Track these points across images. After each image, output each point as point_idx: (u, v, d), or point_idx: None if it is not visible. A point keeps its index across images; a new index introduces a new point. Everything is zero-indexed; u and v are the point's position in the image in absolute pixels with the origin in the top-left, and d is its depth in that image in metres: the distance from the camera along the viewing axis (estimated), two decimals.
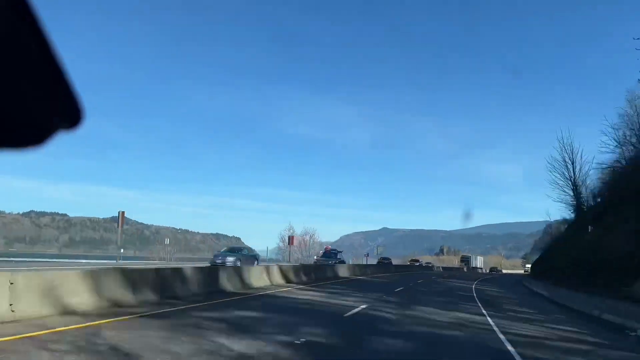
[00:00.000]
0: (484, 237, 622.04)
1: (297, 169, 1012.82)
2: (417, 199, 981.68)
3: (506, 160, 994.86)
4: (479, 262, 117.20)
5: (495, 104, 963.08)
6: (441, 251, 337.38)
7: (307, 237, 66.65)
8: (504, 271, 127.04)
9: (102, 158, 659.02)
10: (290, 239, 41.62)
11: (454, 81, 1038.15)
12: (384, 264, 54.65)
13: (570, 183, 49.88)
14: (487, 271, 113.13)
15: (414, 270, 58.88)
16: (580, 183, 49.50)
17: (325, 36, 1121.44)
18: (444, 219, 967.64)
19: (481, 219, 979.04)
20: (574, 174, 49.10)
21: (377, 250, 52.26)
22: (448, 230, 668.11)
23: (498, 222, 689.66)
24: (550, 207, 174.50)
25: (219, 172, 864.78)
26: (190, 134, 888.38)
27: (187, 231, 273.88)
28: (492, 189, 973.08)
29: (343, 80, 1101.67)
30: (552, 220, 77.14)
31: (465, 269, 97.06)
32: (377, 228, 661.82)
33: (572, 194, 50.52)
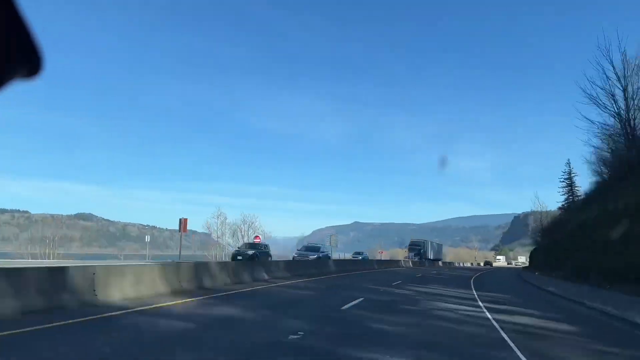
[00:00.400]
0: (453, 230, 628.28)
1: (268, 163, 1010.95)
2: (388, 193, 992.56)
3: (475, 155, 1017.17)
4: (430, 252, 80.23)
5: (464, 100, 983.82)
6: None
7: (244, 227, 56.29)
8: (494, 264, 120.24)
9: (65, 153, 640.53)
10: (182, 222, 20.89)
11: (425, 76, 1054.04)
12: (312, 259, 35.36)
13: (617, 118, 36.88)
14: (460, 265, 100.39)
15: (360, 269, 40.06)
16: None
17: (296, 31, 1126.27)
18: (415, 212, 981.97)
19: (450, 212, 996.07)
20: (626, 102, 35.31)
21: (331, 241, 46.49)
22: (418, 223, 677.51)
23: (467, 215, 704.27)
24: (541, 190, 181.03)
25: (188, 167, 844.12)
26: (156, 128, 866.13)
27: (154, 227, 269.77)
28: (461, 182, 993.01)
29: (313, 75, 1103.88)
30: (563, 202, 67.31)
31: (411, 263, 63.48)
32: (348, 222, 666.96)
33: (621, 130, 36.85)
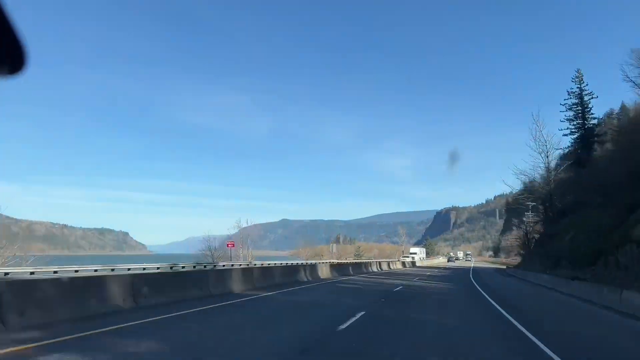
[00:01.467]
0: (379, 226, 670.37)
1: (193, 159, 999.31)
2: (317, 191, 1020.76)
3: (399, 152, 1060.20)
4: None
5: (391, 98, 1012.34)
6: (337, 240, 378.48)
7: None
8: (457, 263, 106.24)
9: None
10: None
11: (352, 74, 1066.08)
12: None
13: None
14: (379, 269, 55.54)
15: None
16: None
17: (222, 24, 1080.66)
18: (343, 209, 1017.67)
19: (376, 208, 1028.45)
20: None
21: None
22: (346, 220, 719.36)
23: (391, 212, 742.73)
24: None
25: (106, 163, 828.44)
26: (72, 121, 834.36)
27: (65, 226, 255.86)
28: (385, 179, 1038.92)
29: (240, 69, 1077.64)
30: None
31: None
32: (276, 219, 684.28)
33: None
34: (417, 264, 72.01)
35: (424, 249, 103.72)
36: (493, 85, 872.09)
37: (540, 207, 54.34)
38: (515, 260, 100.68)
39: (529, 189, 56.12)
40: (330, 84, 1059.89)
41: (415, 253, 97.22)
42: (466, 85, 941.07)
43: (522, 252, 67.60)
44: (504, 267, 71.80)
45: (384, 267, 44.50)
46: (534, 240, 60.40)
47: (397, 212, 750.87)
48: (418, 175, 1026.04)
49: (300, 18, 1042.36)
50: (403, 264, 60.04)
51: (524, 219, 64.63)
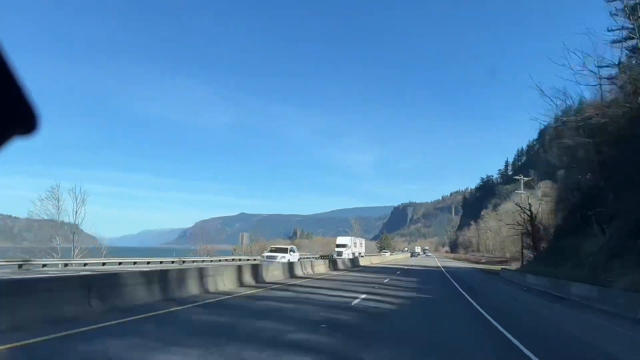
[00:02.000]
0: (336, 221, 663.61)
1: (148, 151, 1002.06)
2: (276, 185, 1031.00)
3: (358, 149, 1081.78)
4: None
5: (350, 96, 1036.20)
6: (294, 234, 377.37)
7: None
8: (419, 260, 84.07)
9: None
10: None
11: (313, 72, 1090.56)
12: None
13: None
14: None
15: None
16: None
17: (185, 13, 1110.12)
18: (301, 204, 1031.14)
19: (334, 203, 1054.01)
20: None
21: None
22: (304, 214, 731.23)
23: (350, 207, 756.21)
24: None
25: (56, 152, 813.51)
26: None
27: (9, 217, 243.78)
28: (345, 175, 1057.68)
29: (202, 61, 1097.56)
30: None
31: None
32: (235, 213, 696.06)
33: None
34: (361, 263, 48.44)
35: (363, 241, 72.25)
36: (452, 84, 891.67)
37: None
38: (476, 256, 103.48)
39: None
40: (292, 80, 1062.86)
41: (344, 245, 61.18)
42: (427, 83, 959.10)
43: (527, 245, 49.57)
44: (479, 266, 65.40)
45: (299, 271, 25.97)
46: (541, 229, 48.07)
47: (356, 208, 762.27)
48: (377, 171, 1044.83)
49: (264, 12, 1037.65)
50: (333, 262, 36.45)
51: (526, 194, 56.36)
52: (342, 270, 35.58)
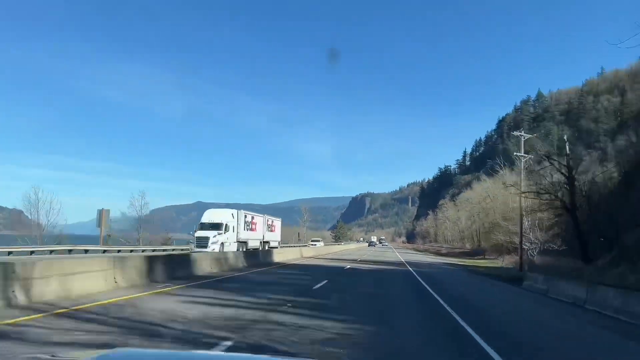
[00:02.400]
0: (296, 211, 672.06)
1: (101, 136, 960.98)
2: (234, 174, 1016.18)
3: (316, 139, 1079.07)
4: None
5: (309, 86, 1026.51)
6: None
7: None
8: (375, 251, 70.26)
9: None
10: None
11: (269, 60, 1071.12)
12: None
13: None
14: None
15: None
16: None
17: None
18: (260, 193, 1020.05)
19: (294, 193, 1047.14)
20: None
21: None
22: (263, 204, 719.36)
23: (309, 197, 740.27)
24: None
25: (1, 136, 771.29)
26: None
27: None
28: (303, 165, 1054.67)
29: (155, 45, 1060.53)
30: None
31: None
32: (191, 202, 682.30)
33: None
34: (275, 259, 30.25)
35: (277, 222, 49.06)
36: (410, 75, 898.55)
37: None
38: (435, 247, 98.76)
39: None
40: (248, 67, 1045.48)
41: (215, 226, 33.41)
42: (384, 72, 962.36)
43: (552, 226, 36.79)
44: (450, 261, 50.91)
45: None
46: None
47: (315, 198, 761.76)
48: (336, 161, 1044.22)
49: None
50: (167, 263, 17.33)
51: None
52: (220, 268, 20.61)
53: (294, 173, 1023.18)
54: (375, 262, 35.77)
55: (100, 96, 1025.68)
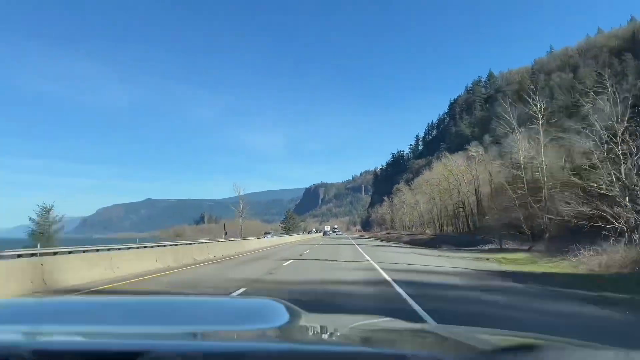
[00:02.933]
0: (250, 204, 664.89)
1: (36, 132, 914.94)
2: (184, 169, 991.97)
3: (268, 131, 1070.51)
4: None
5: (256, 77, 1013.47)
6: (202, 219, 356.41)
7: None
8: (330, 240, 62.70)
9: None
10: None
11: (216, 51, 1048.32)
12: None
13: None
14: None
15: None
16: None
17: None
18: (211, 188, 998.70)
19: (246, 187, 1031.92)
20: None
21: None
22: (216, 199, 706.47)
23: (262, 190, 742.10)
24: None
25: None
26: None
27: None
28: (256, 158, 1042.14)
29: (97, 36, 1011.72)
30: None
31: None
32: (140, 199, 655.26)
33: None
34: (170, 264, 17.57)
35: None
36: (358, 64, 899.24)
37: None
38: (393, 234, 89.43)
39: None
40: (194, 58, 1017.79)
41: None
42: (333, 62, 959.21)
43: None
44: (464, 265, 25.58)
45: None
46: None
47: (268, 191, 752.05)
48: (288, 153, 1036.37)
49: None
50: None
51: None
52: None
53: (247, 166, 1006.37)
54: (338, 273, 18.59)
55: (37, 90, 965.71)
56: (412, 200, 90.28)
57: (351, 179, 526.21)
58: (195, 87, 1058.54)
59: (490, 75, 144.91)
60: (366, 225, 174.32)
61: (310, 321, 1.73)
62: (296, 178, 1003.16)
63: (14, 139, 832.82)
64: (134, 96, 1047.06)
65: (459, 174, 55.30)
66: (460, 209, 56.45)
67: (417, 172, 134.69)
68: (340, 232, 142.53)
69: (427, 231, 71.43)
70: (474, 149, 51.79)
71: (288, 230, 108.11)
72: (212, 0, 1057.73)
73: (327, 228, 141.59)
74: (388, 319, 2.00)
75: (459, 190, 55.28)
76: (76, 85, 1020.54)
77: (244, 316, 1.80)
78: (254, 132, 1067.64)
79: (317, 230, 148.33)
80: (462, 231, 57.71)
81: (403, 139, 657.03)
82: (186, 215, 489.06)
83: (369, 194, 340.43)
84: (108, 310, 1.82)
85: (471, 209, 53.69)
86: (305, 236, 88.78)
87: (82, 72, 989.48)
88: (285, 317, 1.69)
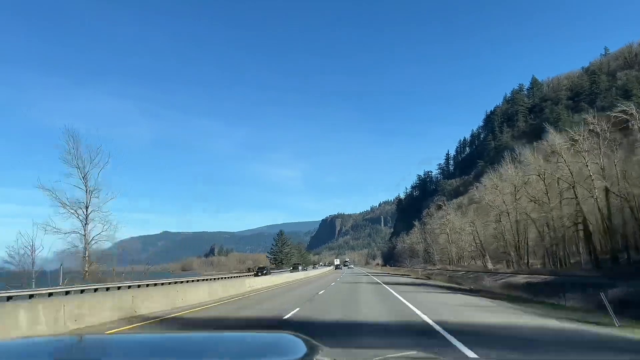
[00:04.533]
0: (266, 237, 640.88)
1: (61, 167, 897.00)
2: (201, 202, 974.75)
3: (287, 165, 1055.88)
4: None
5: (275, 111, 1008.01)
6: (212, 252, 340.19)
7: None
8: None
9: None
10: None
11: (235, 86, 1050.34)
12: None
13: None
14: None
15: None
16: None
17: (94, 21, 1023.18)
18: (229, 221, 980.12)
19: (264, 219, 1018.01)
20: None
21: None
22: (233, 231, 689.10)
23: (279, 223, 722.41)
24: None
25: None
26: None
27: None
28: (274, 191, 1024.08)
29: (118, 74, 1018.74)
30: None
31: None
32: (157, 232, 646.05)
33: None
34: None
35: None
36: (373, 95, 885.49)
37: None
38: (442, 271, 60.70)
39: None
40: (214, 93, 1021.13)
41: None
42: (349, 94, 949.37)
43: None
44: None
45: None
46: None
47: (285, 223, 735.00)
48: (306, 185, 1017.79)
49: (185, 19, 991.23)
50: None
51: None
52: None
53: (265, 199, 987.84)
54: None
55: (58, 126, 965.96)
56: (459, 224, 65.37)
57: (369, 209, 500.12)
58: (214, 120, 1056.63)
59: (534, 83, 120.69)
60: (389, 259, 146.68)
61: (330, 355, 1.71)
62: (313, 210, 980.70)
63: (32, 171, 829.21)
64: (154, 131, 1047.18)
65: (570, 162, 30.72)
66: (579, 224, 31.06)
67: (451, 194, 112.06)
68: (351, 266, 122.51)
69: (497, 265, 46.00)
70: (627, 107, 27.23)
71: (278, 263, 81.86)
72: (227, 37, 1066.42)
73: (337, 261, 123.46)
74: (425, 354, 1.97)
75: (575, 193, 30.29)
76: (96, 121, 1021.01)
77: (260, 351, 1.85)
78: (271, 166, 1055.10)
79: (324, 264, 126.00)
80: (567, 264, 32.90)
81: (422, 165, 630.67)
82: (202, 248, 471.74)
83: (389, 225, 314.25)
84: (130, 348, 1.89)
85: (601, 227, 28.74)
86: (309, 273, 59.64)
87: (101, 109, 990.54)
88: (302, 351, 1.69)
